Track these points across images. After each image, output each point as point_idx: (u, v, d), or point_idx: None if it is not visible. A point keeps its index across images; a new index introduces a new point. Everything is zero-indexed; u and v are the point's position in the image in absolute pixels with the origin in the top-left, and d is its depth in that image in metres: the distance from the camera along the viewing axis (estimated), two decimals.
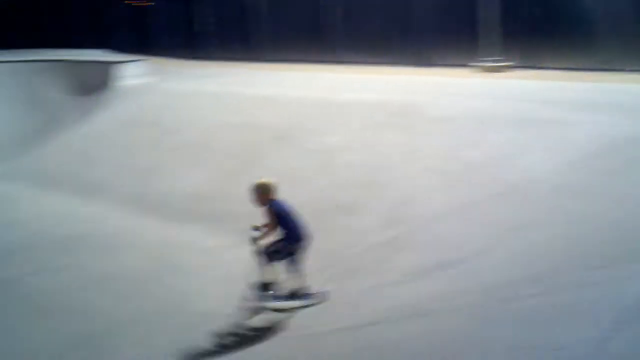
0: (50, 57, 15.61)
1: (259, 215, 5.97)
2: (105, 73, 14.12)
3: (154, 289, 6.83)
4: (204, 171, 9.83)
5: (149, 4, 19.73)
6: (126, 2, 20.13)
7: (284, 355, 5.17)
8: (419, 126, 9.40)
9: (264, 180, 5.94)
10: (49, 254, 7.96)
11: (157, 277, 7.13)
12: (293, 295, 5.99)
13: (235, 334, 5.75)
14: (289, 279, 5.99)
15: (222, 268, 7.24)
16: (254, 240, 5.87)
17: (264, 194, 5.87)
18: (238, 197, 8.83)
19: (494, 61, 12.65)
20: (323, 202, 8.14)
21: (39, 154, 12.10)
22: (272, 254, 5.87)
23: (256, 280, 5.96)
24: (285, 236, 5.88)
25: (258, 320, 5.90)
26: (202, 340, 5.61)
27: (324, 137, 9.79)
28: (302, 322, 5.78)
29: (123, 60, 14.76)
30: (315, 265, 6.92)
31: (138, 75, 14.18)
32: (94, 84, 14.00)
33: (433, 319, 4.98)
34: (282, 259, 5.91)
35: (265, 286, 5.92)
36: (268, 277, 5.92)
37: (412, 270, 6.30)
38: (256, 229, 5.92)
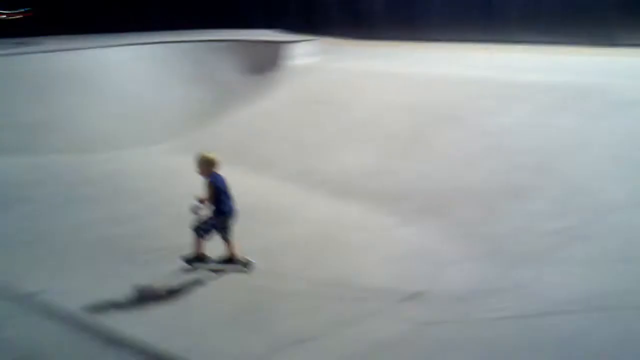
0: (225, 37, 16.51)
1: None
2: (276, 52, 14.71)
3: (321, 262, 7.05)
4: (370, 150, 9.97)
5: None
6: None
7: (458, 340, 5.11)
8: (597, 110, 8.87)
9: (208, 154, 6.44)
10: None
11: (324, 251, 7.35)
12: (225, 262, 6.60)
13: (402, 315, 5.79)
14: (224, 248, 6.58)
15: (388, 246, 7.34)
16: (195, 210, 6.27)
17: (208, 166, 6.38)
18: (404, 177, 8.99)
19: None
20: (493, 185, 7.98)
21: (212, 130, 12.83)
22: (205, 230, 6.41)
23: (190, 252, 6.50)
24: (215, 210, 6.38)
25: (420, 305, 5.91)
26: (369, 315, 5.71)
27: (494, 118, 9.55)
28: (467, 307, 5.72)
29: (293, 40, 15.30)
30: (483, 248, 6.84)
31: (307, 55, 14.64)
32: (265, 63, 14.65)
33: (612, 314, 4.73)
34: (214, 231, 6.47)
35: (198, 258, 6.51)
36: (200, 249, 6.48)
37: (586, 262, 6.01)
38: (200, 201, 6.33)
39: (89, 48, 15.40)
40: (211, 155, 6.47)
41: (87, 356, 3.06)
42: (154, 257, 7.14)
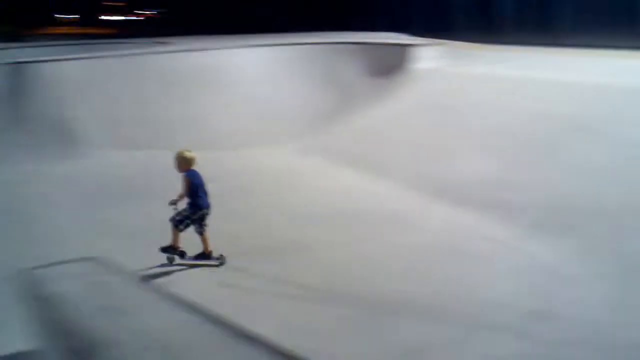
0: (350, 40, 16.61)
1: None
2: (401, 56, 14.59)
3: (435, 272, 6.87)
4: (493, 159, 9.61)
5: None
6: None
7: None
8: None
9: (187, 153, 6.94)
10: (336, 226, 8.35)
11: (440, 261, 7.17)
12: (199, 257, 7.00)
13: (530, 333, 5.50)
14: (201, 241, 6.98)
15: (509, 259, 7.03)
16: (172, 203, 6.74)
17: (185, 163, 6.88)
18: (529, 187, 8.58)
19: None
20: (626, 200, 7.45)
21: (334, 131, 12.94)
22: (180, 221, 6.83)
23: (167, 243, 6.88)
24: (189, 205, 6.83)
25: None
26: (489, 332, 5.49)
27: (631, 128, 8.92)
28: (597, 329, 5.35)
29: (418, 43, 15.12)
30: (611, 267, 6.41)
31: (433, 58, 14.41)
32: (389, 66, 14.56)
33: None
34: (188, 225, 6.89)
35: (172, 249, 6.92)
36: (176, 240, 6.88)
37: None
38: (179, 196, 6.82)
39: (220, 49, 16.01)
40: (189, 154, 6.96)
41: (216, 347, 3.14)
42: (271, 254, 7.29)
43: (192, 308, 3.70)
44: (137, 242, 7.70)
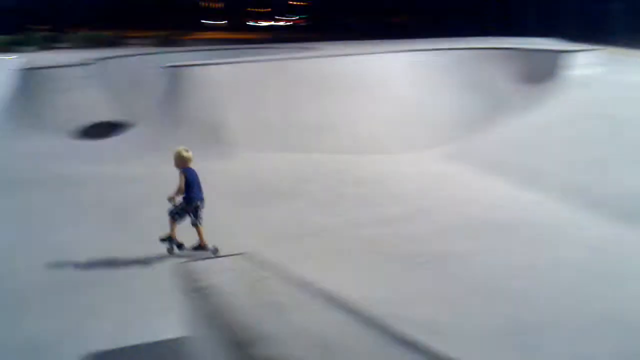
0: (499, 45, 16.09)
1: None
2: (553, 62, 13.92)
3: (595, 289, 6.40)
4: None
5: None
6: None
7: None
8: None
9: (184, 152, 7.42)
10: (485, 235, 8.07)
11: (598, 277, 6.68)
12: (196, 248, 7.51)
13: None
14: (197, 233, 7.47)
15: None
16: (169, 199, 7.33)
17: (182, 161, 7.41)
18: None
19: None
20: None
21: (483, 138, 12.58)
22: (176, 213, 7.42)
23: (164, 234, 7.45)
24: (184, 198, 7.37)
25: None
26: None
27: None
28: None
29: (572, 50, 14.34)
30: None
31: (588, 65, 13.62)
32: (540, 73, 13.95)
33: None
34: (183, 217, 7.46)
35: (170, 240, 7.49)
36: (173, 232, 7.46)
37: None
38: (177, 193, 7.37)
39: (366, 54, 16.11)
40: (186, 153, 7.48)
41: (375, 351, 3.09)
42: (416, 261, 7.16)
43: (348, 308, 3.67)
44: (285, 240, 7.89)
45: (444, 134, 13.10)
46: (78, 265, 7.22)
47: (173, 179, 7.35)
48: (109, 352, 5.27)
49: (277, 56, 16.35)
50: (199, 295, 4.17)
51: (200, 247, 7.55)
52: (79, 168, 12.21)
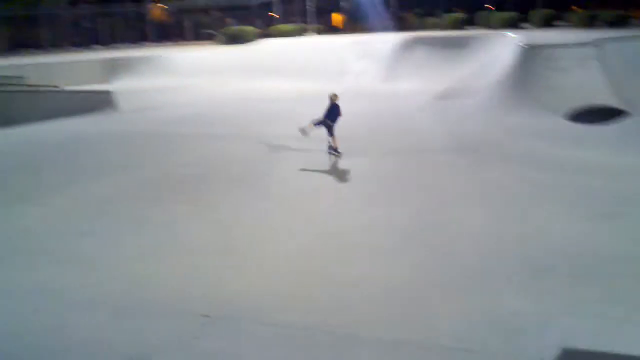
0: None
1: None
2: None
3: None
4: None
5: None
6: None
7: None
8: None
9: (334, 94, 12.40)
10: None
11: None
12: (330, 148, 12.40)
13: None
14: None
15: None
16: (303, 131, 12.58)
17: (333, 99, 12.30)
18: None
19: None
20: None
21: None
22: (317, 123, 12.35)
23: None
24: (323, 118, 12.30)
25: None
26: None
27: None
28: None
29: None
30: None
31: None
32: None
33: None
34: (320, 127, 12.34)
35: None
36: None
37: None
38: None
39: None
40: (335, 95, 12.34)
41: None
42: None
43: None
44: None
45: None
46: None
47: None
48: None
49: None
50: None
51: (333, 148, 12.36)
52: (558, 151, 11.90)
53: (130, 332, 5.42)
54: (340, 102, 12.07)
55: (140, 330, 5.43)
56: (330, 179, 10.87)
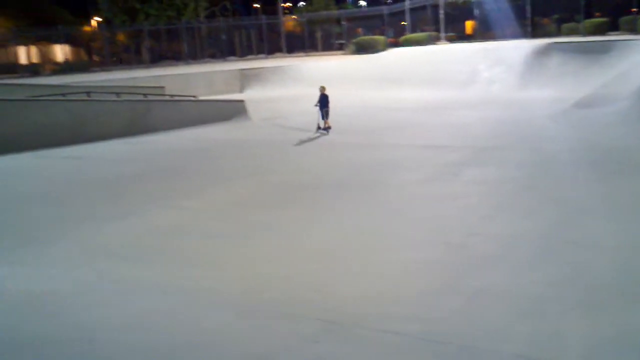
0: None
1: None
2: None
3: None
4: None
5: None
6: None
7: None
8: None
9: (322, 86, 17.68)
10: None
11: None
12: (325, 128, 17.37)
13: None
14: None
15: None
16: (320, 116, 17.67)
17: (322, 91, 17.56)
18: None
19: None
20: None
21: None
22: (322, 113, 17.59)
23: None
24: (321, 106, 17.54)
25: None
26: None
27: None
28: None
29: None
30: None
31: None
32: None
33: None
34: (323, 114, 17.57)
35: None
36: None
37: None
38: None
39: None
40: (323, 87, 17.62)
41: None
42: None
43: None
44: None
45: None
46: None
47: None
48: None
49: None
50: None
51: (327, 128, 17.35)
52: None
53: (254, 331, 5.54)
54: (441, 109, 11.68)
55: (263, 330, 5.54)
56: (457, 187, 10.50)
